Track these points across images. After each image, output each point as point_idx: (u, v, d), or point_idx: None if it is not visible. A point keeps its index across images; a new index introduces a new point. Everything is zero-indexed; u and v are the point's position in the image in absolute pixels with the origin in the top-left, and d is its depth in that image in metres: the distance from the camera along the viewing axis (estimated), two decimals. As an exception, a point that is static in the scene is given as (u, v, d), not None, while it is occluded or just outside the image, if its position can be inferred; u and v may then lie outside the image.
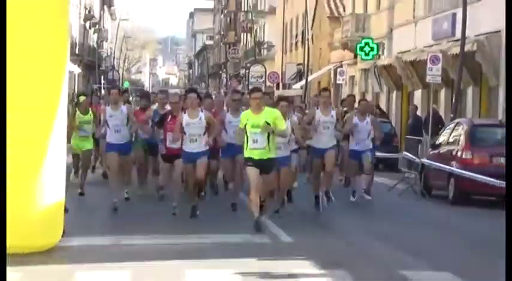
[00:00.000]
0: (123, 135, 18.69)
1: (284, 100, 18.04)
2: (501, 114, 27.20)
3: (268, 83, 56.52)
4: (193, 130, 16.70)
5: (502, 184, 15.52)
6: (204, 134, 16.81)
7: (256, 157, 15.37)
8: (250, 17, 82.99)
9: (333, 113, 18.95)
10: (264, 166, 15.48)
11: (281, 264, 12.13)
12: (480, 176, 16.45)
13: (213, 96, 25.33)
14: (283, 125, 15.69)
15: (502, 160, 17.51)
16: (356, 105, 23.82)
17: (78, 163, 21.13)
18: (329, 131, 19.07)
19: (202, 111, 16.96)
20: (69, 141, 16.81)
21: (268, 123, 15.14)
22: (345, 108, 24.06)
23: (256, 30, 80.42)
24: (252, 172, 15.32)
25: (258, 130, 15.27)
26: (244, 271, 11.11)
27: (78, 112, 20.31)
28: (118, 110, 18.73)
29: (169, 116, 18.08)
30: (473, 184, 17.19)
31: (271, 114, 15.59)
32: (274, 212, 17.17)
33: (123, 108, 18.92)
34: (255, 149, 15.33)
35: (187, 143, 16.84)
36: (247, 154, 15.66)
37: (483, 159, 18.71)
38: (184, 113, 17.04)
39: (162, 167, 18.87)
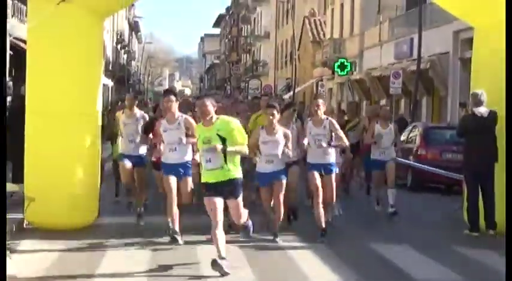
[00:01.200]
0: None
1: (290, 106, 13.69)
2: (449, 119, 27.32)
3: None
4: (170, 137, 11.39)
5: (449, 174, 15.64)
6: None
7: (211, 180, 9.69)
8: (249, 41, 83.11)
9: (326, 123, 12.23)
10: (224, 190, 9.71)
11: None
12: (432, 168, 16.50)
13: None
14: (243, 139, 9.96)
15: (450, 155, 17.84)
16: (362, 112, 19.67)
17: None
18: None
19: (182, 115, 11.50)
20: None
21: (221, 137, 9.58)
22: (346, 117, 17.87)
23: (253, 51, 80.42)
24: (210, 204, 9.60)
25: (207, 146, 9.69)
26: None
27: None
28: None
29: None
30: (427, 175, 17.24)
31: (224, 125, 9.75)
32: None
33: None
34: (210, 170, 9.72)
35: (166, 153, 11.50)
36: (202, 178, 10.00)
37: (435, 154, 18.80)
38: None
39: (156, 176, 13.20)
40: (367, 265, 9.82)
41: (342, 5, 47.15)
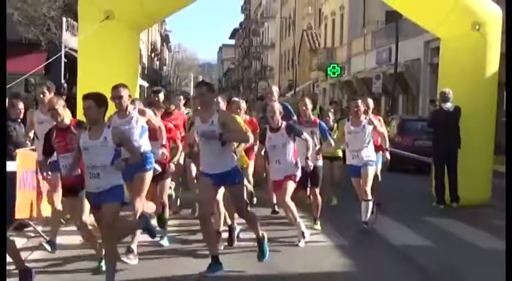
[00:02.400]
0: None
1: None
2: (420, 113, 27.27)
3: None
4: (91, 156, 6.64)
5: (420, 158, 15.59)
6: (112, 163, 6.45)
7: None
8: (258, 50, 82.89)
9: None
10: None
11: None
12: (407, 153, 16.44)
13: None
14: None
15: (421, 142, 17.71)
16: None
17: None
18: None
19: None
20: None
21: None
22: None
23: (262, 58, 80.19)
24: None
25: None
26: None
27: None
28: None
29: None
30: (402, 158, 17.17)
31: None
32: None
33: None
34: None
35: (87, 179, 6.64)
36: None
37: (408, 142, 18.73)
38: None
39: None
40: (353, 233, 9.71)
41: (333, 21, 47.02)
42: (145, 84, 60.30)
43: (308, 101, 10.03)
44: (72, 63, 19.59)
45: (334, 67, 40.79)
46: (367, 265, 8.10)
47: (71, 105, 10.97)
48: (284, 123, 8.63)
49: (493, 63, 12.51)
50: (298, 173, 8.66)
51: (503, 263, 8.24)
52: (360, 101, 9.82)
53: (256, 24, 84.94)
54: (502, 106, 19.36)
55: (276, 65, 70.08)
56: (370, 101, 10.61)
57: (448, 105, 12.02)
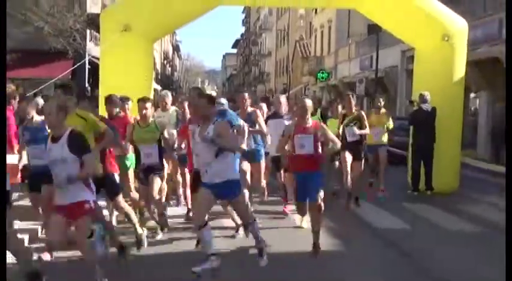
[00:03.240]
0: None
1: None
2: (397, 112, 27.16)
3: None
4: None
5: (398, 152, 15.52)
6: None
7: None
8: (257, 58, 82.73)
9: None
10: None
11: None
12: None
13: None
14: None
15: (398, 138, 17.23)
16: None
17: None
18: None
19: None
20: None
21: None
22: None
23: (260, 65, 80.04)
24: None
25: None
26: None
27: None
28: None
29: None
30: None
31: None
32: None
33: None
34: None
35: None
36: None
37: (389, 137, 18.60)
38: None
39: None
40: (340, 218, 9.66)
41: (322, 32, 46.88)
42: (159, 87, 60.20)
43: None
44: (94, 69, 19.54)
45: (322, 72, 40.71)
46: (350, 243, 8.09)
47: (94, 105, 10.89)
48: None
49: (460, 70, 12.52)
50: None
51: (469, 243, 8.27)
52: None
53: (255, 36, 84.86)
54: (467, 107, 19.41)
55: (272, 71, 69.99)
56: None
57: (426, 106, 11.99)
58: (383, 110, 11.79)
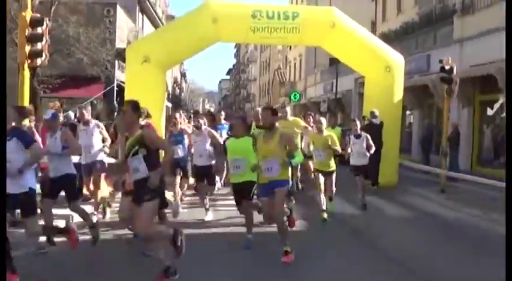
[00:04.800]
0: None
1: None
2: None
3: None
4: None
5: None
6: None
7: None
8: (245, 82, 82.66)
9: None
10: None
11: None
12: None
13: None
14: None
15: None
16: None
17: None
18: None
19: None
20: None
21: None
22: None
23: (247, 88, 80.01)
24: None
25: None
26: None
27: None
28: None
29: None
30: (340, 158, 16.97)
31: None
32: None
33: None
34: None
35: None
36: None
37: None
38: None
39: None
40: (309, 209, 9.50)
41: (294, 64, 47.00)
42: (170, 105, 60.10)
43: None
44: (121, 90, 19.39)
45: (295, 94, 40.53)
46: (312, 222, 7.99)
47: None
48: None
49: (398, 94, 12.55)
50: None
51: (407, 226, 8.25)
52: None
53: (243, 66, 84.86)
54: (404, 121, 19.45)
55: (257, 93, 69.93)
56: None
57: (376, 121, 11.92)
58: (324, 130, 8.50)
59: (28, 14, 8.25)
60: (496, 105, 15.32)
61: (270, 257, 6.00)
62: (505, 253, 3.92)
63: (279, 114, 7.84)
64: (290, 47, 47.87)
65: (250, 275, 5.50)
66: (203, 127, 8.33)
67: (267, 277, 5.46)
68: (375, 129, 11.88)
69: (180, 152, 8.28)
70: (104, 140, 8.21)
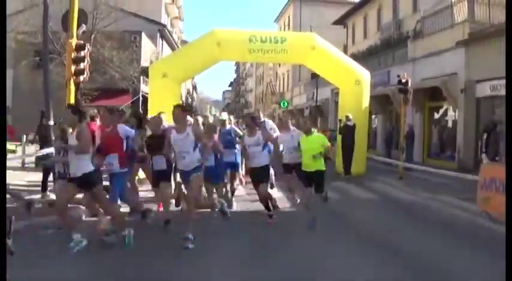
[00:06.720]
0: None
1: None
2: (330, 126, 27.09)
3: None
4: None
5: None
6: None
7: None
8: (243, 93, 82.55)
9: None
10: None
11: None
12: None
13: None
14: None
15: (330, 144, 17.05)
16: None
17: None
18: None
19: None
20: None
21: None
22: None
23: (245, 97, 79.87)
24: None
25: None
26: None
27: None
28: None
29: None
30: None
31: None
32: None
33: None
34: None
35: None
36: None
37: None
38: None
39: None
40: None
41: (283, 78, 46.97)
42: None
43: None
44: (145, 100, 19.38)
45: (284, 102, 40.48)
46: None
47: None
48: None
49: (366, 102, 12.52)
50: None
51: (374, 208, 8.23)
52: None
53: (242, 79, 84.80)
54: (371, 124, 19.46)
55: (253, 101, 69.82)
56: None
57: (350, 123, 11.83)
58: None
59: (74, 41, 8.57)
60: (441, 111, 15.62)
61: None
62: (505, 253, 3.41)
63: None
64: (279, 65, 47.86)
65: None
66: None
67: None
68: (349, 130, 11.89)
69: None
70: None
